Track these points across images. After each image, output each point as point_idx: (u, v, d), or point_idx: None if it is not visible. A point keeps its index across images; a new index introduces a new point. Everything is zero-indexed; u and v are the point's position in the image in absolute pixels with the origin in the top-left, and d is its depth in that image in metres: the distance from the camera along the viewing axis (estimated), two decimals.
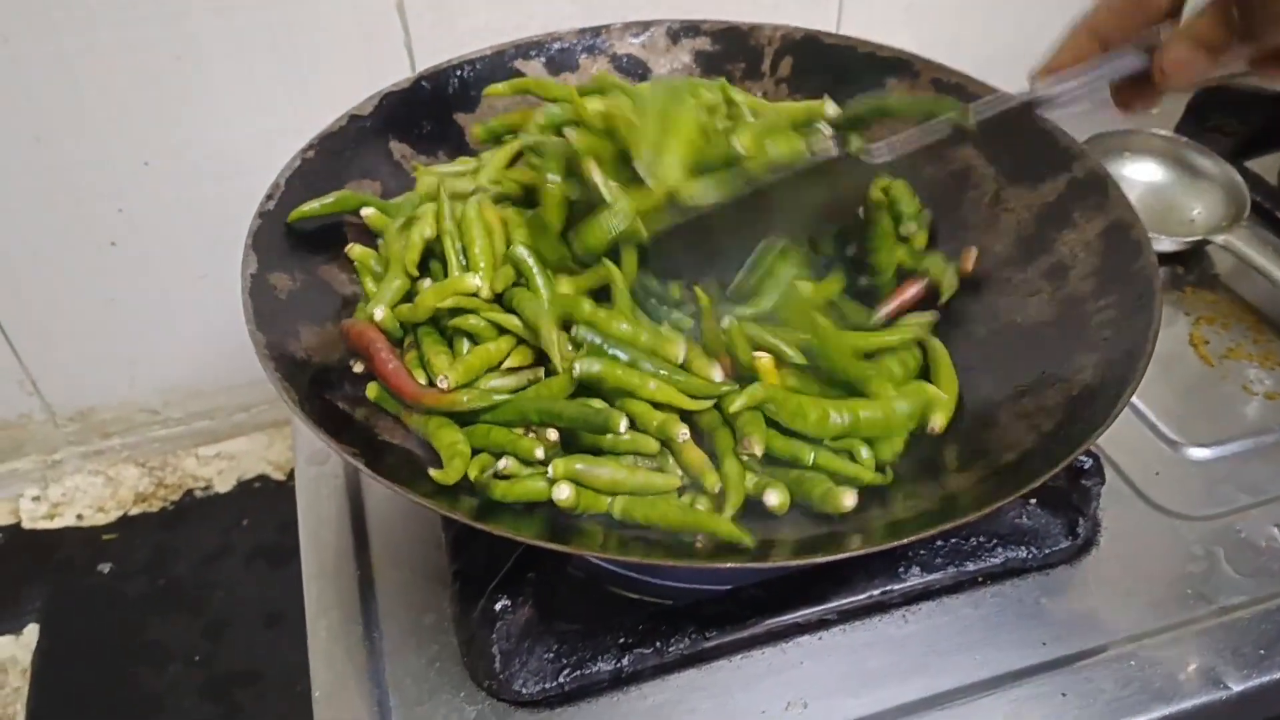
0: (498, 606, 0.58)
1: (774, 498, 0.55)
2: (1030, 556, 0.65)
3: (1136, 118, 1.03)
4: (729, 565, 0.50)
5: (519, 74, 0.81)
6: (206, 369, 1.04)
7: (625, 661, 0.60)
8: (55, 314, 0.95)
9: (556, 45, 0.82)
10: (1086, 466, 0.65)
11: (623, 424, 0.55)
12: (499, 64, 0.80)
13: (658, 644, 0.61)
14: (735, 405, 0.58)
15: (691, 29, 0.85)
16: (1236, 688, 0.60)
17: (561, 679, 0.59)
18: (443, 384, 0.57)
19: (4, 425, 1.01)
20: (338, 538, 0.70)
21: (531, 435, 0.57)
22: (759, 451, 0.56)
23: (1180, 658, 0.61)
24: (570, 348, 0.59)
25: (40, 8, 0.78)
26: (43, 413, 1.02)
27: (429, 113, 0.78)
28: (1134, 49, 0.55)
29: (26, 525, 1.02)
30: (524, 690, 0.59)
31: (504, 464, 0.57)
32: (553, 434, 0.57)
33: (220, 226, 0.94)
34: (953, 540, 0.65)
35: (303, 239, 0.67)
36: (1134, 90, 0.56)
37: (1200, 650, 0.61)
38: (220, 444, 1.10)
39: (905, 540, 0.50)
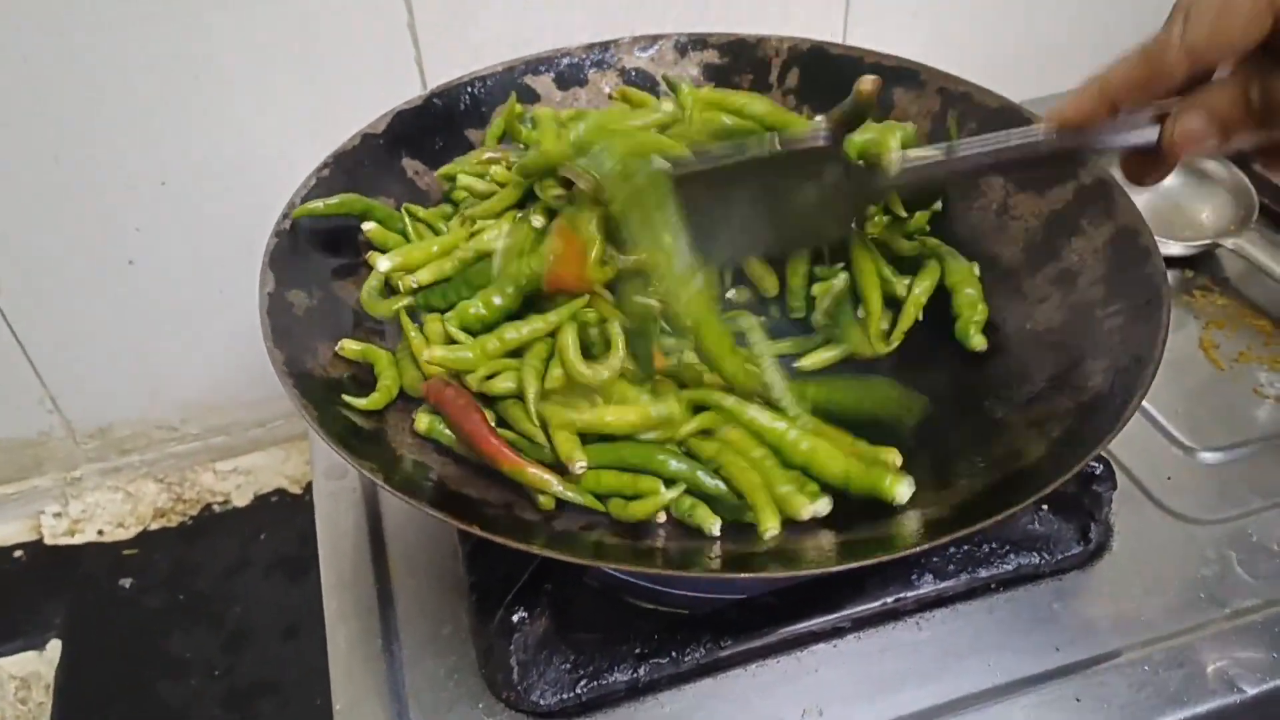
0: (515, 618, 0.58)
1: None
2: (1043, 562, 0.66)
3: None
4: (744, 576, 0.51)
5: (529, 90, 0.82)
6: (224, 384, 1.06)
7: (642, 671, 0.61)
8: (75, 332, 0.97)
9: (566, 60, 0.83)
10: (1098, 472, 0.66)
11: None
12: (509, 80, 0.81)
13: (674, 653, 0.61)
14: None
15: (699, 42, 0.85)
16: (1251, 691, 0.60)
17: (579, 689, 0.60)
18: (578, 470, 0.57)
19: (25, 443, 1.02)
20: (356, 550, 0.71)
21: None
22: None
23: (1194, 661, 0.61)
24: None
25: (61, 28, 0.80)
26: (63, 430, 1.03)
27: (440, 129, 0.79)
28: (1145, 118, 0.53)
29: (48, 541, 1.03)
30: (542, 701, 0.59)
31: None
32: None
33: (237, 244, 0.95)
34: (965, 547, 0.66)
35: (318, 256, 0.68)
36: (1143, 162, 0.55)
37: (1214, 654, 0.62)
38: (237, 459, 1.11)
39: (920, 548, 0.50)
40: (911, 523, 0.54)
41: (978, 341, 0.67)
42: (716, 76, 0.85)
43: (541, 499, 0.57)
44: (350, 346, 0.64)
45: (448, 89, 0.79)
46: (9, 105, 0.82)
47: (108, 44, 0.82)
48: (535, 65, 0.83)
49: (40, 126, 0.84)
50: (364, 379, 0.63)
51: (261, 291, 0.62)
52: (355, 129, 0.74)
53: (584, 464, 0.57)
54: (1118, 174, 0.59)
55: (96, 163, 0.87)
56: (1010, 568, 0.65)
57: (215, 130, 0.89)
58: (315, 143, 0.73)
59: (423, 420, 0.61)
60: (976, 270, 0.70)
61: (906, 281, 0.70)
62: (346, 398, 0.60)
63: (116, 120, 0.86)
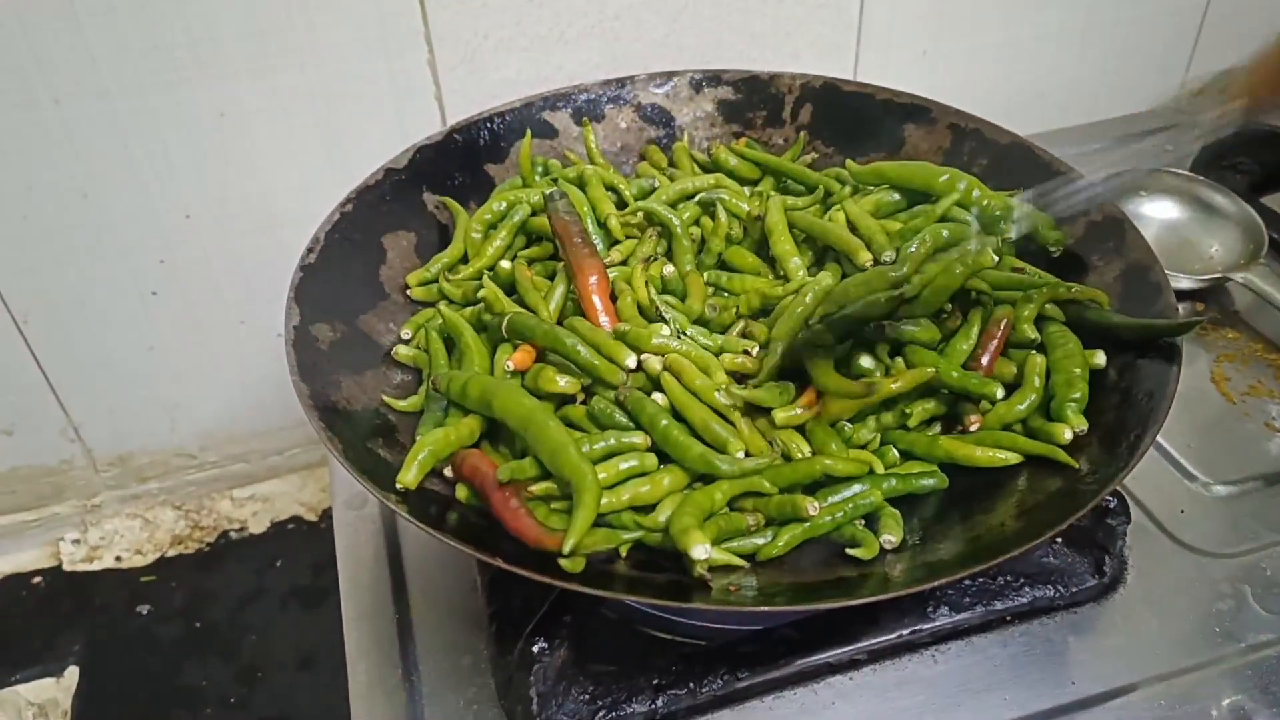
0: (535, 649, 0.59)
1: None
2: (1058, 595, 0.66)
3: (1150, 158, 1.05)
4: (764, 609, 0.51)
5: (547, 125, 0.84)
6: (243, 413, 1.07)
7: (659, 702, 0.61)
8: (98, 362, 0.98)
9: (583, 96, 0.85)
10: (1112, 506, 0.66)
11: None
12: (527, 116, 0.83)
13: (691, 685, 0.61)
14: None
15: (714, 78, 0.87)
16: None
17: None
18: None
19: (47, 471, 1.03)
20: (375, 581, 0.72)
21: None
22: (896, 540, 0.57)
23: (1209, 696, 0.61)
24: None
25: (91, 72, 0.82)
26: (84, 458, 1.04)
27: (460, 164, 0.80)
28: None
29: (67, 568, 1.04)
30: None
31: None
32: None
33: (258, 276, 0.97)
34: (981, 580, 0.66)
35: (342, 290, 0.69)
36: None
37: (1229, 688, 0.62)
38: (254, 486, 1.12)
39: (937, 582, 0.51)
40: (928, 558, 0.54)
41: (1078, 421, 0.60)
42: (730, 113, 0.87)
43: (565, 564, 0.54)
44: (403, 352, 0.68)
45: (467, 125, 0.81)
46: (40, 143, 0.84)
47: (136, 86, 0.84)
48: (553, 101, 0.84)
49: (71, 164, 0.86)
50: (384, 413, 0.64)
51: (287, 325, 0.63)
52: (376, 164, 0.76)
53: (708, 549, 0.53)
54: (1128, 206, 0.59)
55: (122, 198, 0.89)
56: (1025, 601, 0.66)
57: (239, 165, 0.90)
58: (337, 178, 0.74)
59: (462, 492, 0.60)
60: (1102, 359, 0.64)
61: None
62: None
63: (143, 157, 0.87)
